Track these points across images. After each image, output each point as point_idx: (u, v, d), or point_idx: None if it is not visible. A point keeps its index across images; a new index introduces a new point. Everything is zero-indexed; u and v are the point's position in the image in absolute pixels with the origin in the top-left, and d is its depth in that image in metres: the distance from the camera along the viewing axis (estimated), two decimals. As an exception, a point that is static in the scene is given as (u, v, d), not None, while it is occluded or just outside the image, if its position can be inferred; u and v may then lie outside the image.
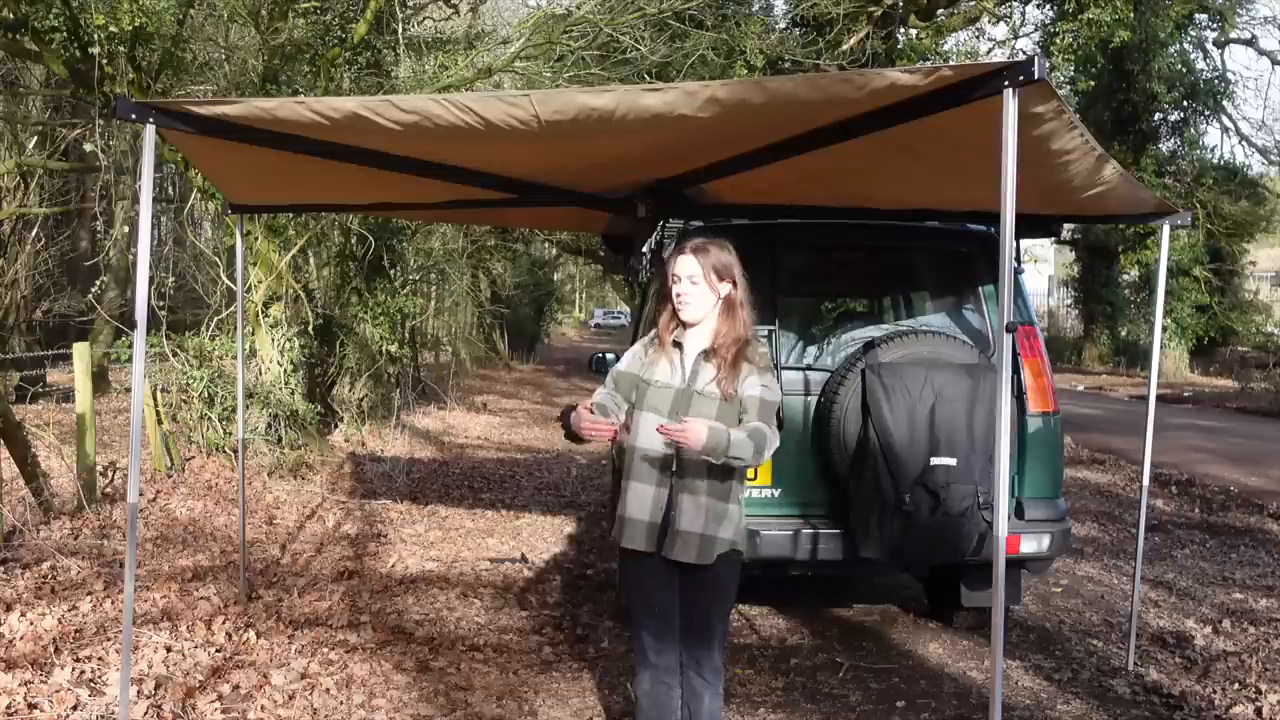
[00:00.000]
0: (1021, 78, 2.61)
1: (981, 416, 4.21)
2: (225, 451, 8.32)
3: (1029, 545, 4.51)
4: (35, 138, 14.99)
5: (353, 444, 10.64)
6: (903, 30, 16.91)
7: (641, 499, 3.14)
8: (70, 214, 16.78)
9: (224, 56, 10.49)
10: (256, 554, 6.39)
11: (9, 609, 4.80)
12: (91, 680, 4.12)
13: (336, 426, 10.88)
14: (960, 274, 4.92)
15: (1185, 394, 20.27)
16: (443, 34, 13.39)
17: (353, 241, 11.18)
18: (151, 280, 6.73)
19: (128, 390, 9.05)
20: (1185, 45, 25.67)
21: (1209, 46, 26.27)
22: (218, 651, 4.58)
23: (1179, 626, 5.36)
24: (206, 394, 8.44)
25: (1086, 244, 28.61)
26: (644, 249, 4.62)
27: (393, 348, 11.70)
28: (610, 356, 6.08)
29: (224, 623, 4.91)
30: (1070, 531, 4.77)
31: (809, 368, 4.75)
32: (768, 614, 5.56)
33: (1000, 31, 24.51)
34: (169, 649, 4.52)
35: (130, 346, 6.58)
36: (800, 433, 4.66)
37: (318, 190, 5.18)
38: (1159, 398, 5.04)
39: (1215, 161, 26.50)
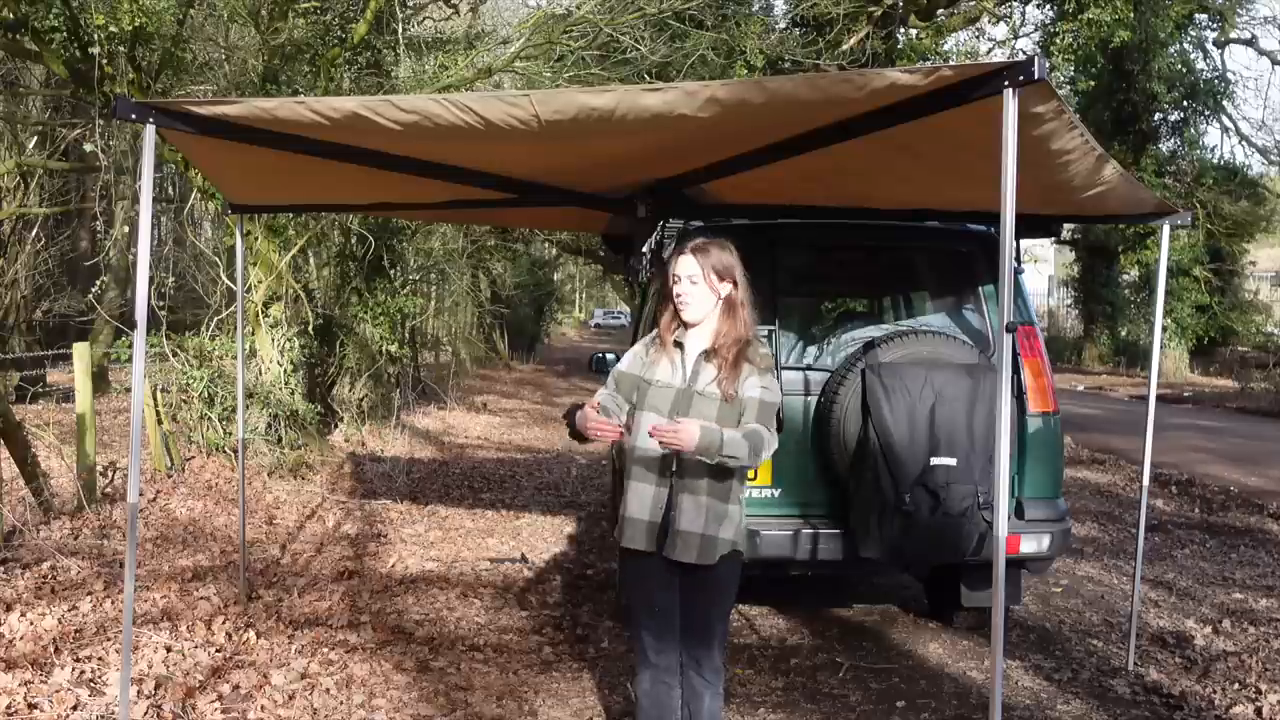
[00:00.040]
0: (1021, 78, 2.61)
1: (981, 416, 4.21)
2: (225, 451, 8.33)
3: (1029, 545, 4.51)
4: (35, 138, 15.00)
5: (353, 444, 10.64)
6: (903, 30, 16.91)
7: (641, 499, 3.14)
8: (70, 214, 16.78)
9: (224, 56, 10.49)
10: (256, 554, 6.39)
11: (9, 609, 4.80)
12: (91, 680, 4.12)
13: (336, 426, 10.88)
14: (960, 274, 4.92)
15: (1185, 394, 20.28)
16: (443, 34, 13.39)
17: (353, 241, 11.18)
18: (151, 280, 6.73)
19: (128, 390, 9.05)
20: (1185, 45, 25.68)
21: (1209, 46, 26.31)
22: (218, 651, 4.58)
23: (1179, 626, 5.36)
24: (206, 394, 8.44)
25: (1086, 244, 28.62)
26: (644, 249, 4.62)
27: (393, 348, 11.70)
28: (610, 356, 6.08)
29: (224, 623, 4.91)
30: (1070, 531, 4.76)
31: (809, 368, 4.75)
32: (768, 614, 5.56)
33: (1000, 31, 24.56)
34: (169, 649, 4.52)
35: (130, 346, 6.58)
36: (800, 433, 4.66)
37: (318, 190, 5.18)
38: (1159, 398, 5.04)
39: (1215, 161, 26.50)
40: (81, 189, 16.45)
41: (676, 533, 3.10)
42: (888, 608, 5.71)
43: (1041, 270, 36.28)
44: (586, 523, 7.92)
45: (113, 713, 3.82)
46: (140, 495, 6.83)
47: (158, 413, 7.85)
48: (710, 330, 3.17)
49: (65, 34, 8.22)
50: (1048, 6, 19.78)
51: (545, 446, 12.46)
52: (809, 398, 4.70)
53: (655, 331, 3.27)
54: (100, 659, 4.33)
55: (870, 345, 4.52)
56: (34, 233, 14.96)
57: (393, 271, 12.14)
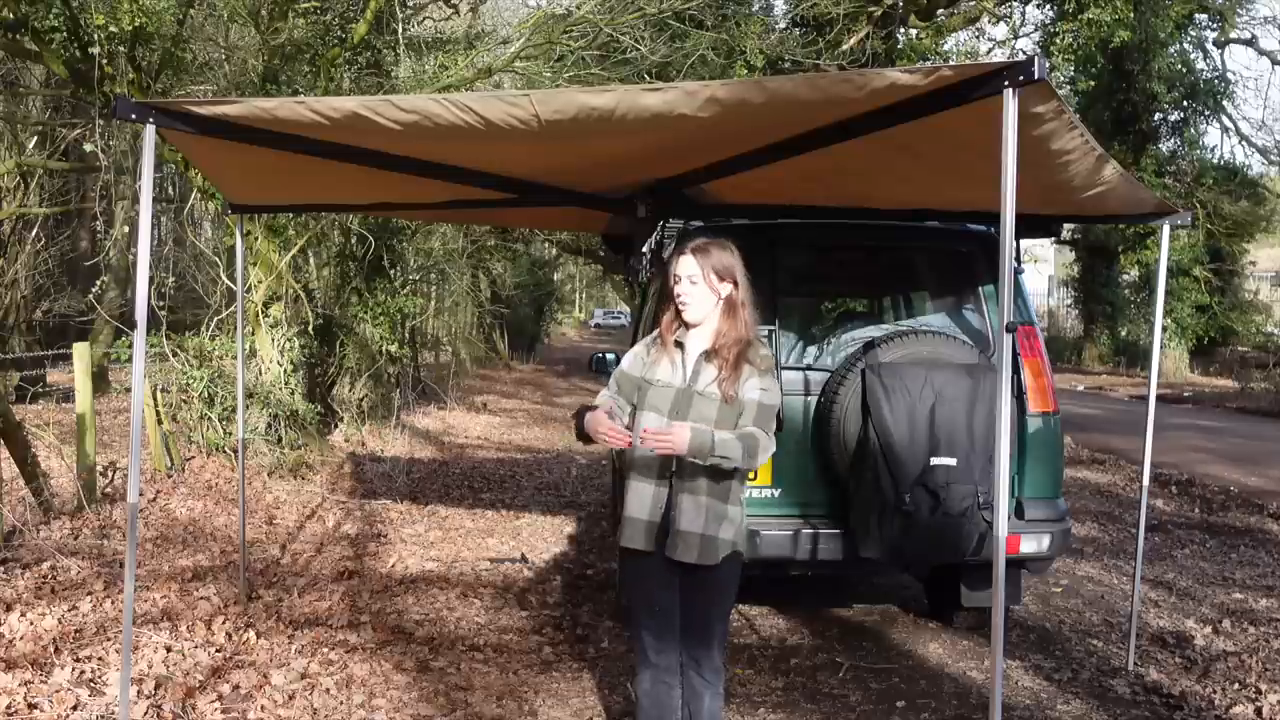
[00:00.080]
0: (1021, 78, 2.61)
1: (981, 416, 4.21)
2: (225, 451, 8.33)
3: (1029, 545, 4.51)
4: (35, 138, 15.00)
5: (353, 444, 10.64)
6: (903, 30, 16.91)
7: (641, 498, 3.15)
8: (70, 214, 16.78)
9: (224, 56, 10.49)
10: (256, 554, 6.39)
11: (9, 609, 4.80)
12: (91, 680, 4.12)
13: (336, 426, 10.88)
14: (960, 274, 4.92)
15: (1185, 394, 20.28)
16: (443, 34, 13.39)
17: (353, 241, 11.18)
18: (151, 280, 6.73)
19: (128, 390, 9.05)
20: (1185, 45, 25.69)
21: (1209, 46, 26.32)
22: (218, 651, 4.58)
23: (1179, 626, 5.36)
24: (206, 394, 8.44)
25: (1086, 244, 28.62)
26: (644, 249, 4.62)
27: (393, 348, 11.70)
28: (610, 356, 6.09)
29: (224, 623, 4.91)
30: (1070, 531, 4.76)
31: (809, 368, 4.75)
32: (768, 614, 5.56)
33: (1000, 31, 24.57)
34: (169, 649, 4.52)
35: (130, 346, 6.58)
36: (800, 433, 4.66)
37: (318, 190, 5.18)
38: (1159, 398, 5.04)
39: (1215, 161, 26.51)
40: (81, 189, 16.45)
41: (677, 533, 3.10)
42: (888, 608, 5.71)
43: (1041, 270, 36.29)
44: (586, 523, 7.92)
45: (113, 713, 3.82)
46: (140, 495, 6.83)
47: (158, 413, 7.85)
48: (711, 330, 3.17)
49: (65, 34, 8.22)
50: (1048, 6, 19.78)
51: (545, 446, 12.46)
52: (809, 398, 4.70)
53: (656, 332, 3.28)
54: (100, 659, 4.33)
55: (870, 345, 4.52)
56: (34, 233, 14.96)
57: (393, 271, 12.15)
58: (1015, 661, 4.84)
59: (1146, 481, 4.88)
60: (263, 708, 4.03)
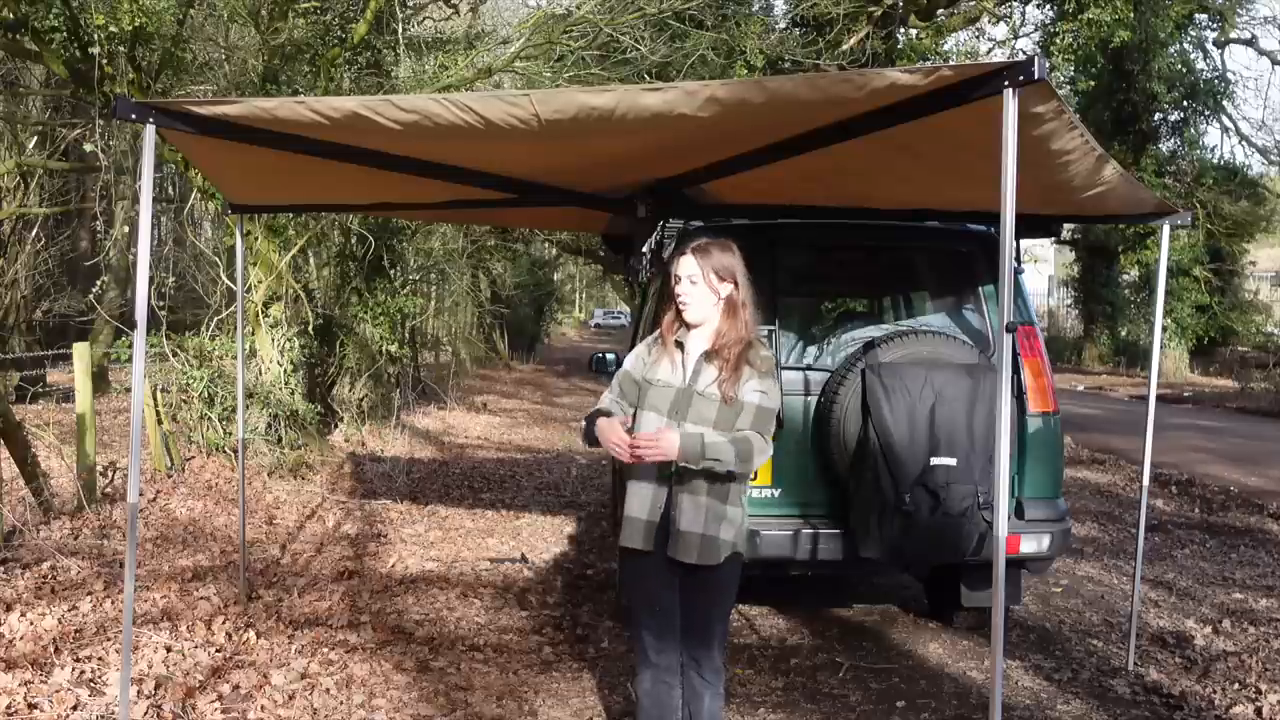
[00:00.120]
0: (1021, 78, 2.61)
1: (981, 416, 4.21)
2: (225, 451, 8.33)
3: (1029, 545, 4.51)
4: (35, 138, 15.00)
5: (353, 444, 10.64)
6: (903, 30, 16.91)
7: (641, 498, 3.15)
8: (70, 214, 16.78)
9: (224, 56, 10.50)
10: (256, 554, 6.39)
11: (9, 609, 4.80)
12: (91, 680, 4.12)
13: (336, 426, 10.88)
14: (960, 274, 4.92)
15: (1185, 394, 20.28)
16: (443, 34, 13.39)
17: (353, 241, 11.19)
18: (151, 280, 6.73)
19: (128, 390, 9.05)
20: (1185, 45, 25.69)
21: (1209, 46, 26.32)
22: (218, 651, 4.58)
23: (1179, 626, 5.36)
24: (206, 394, 8.44)
25: (1086, 244, 28.62)
26: (644, 249, 4.62)
27: (393, 348, 11.70)
28: (610, 356, 6.09)
29: (224, 623, 4.91)
30: (1070, 531, 4.76)
31: (809, 368, 4.75)
32: (768, 614, 5.56)
33: (1000, 31, 24.58)
34: (169, 649, 4.52)
35: (130, 346, 6.59)
36: (800, 433, 4.66)
37: (318, 190, 5.18)
38: (1159, 398, 5.04)
39: (1215, 161, 26.51)
40: (81, 189, 16.45)
41: (678, 533, 3.10)
42: (888, 608, 5.71)
43: (1041, 270, 36.30)
44: (586, 523, 7.92)
45: (113, 713, 3.82)
46: (140, 495, 6.83)
47: (158, 413, 7.85)
48: (711, 330, 3.17)
49: (65, 34, 8.22)
50: (1048, 6, 19.79)
51: (545, 446, 12.46)
52: (809, 398, 4.70)
53: (657, 332, 3.28)
54: (100, 659, 4.33)
55: (870, 345, 4.52)
56: (34, 233, 14.96)
57: (393, 271, 12.15)
58: (1015, 661, 4.84)
59: (1146, 481, 4.88)
60: (263, 708, 4.03)
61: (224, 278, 9.30)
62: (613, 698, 4.35)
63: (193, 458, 8.23)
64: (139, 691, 4.00)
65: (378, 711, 4.09)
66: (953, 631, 5.30)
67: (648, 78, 12.02)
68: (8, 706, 3.80)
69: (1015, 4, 20.17)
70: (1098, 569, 6.65)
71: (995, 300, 4.62)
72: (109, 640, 4.53)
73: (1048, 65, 3.00)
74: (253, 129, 3.57)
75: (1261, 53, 26.78)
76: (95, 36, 7.93)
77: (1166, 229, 4.67)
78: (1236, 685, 4.45)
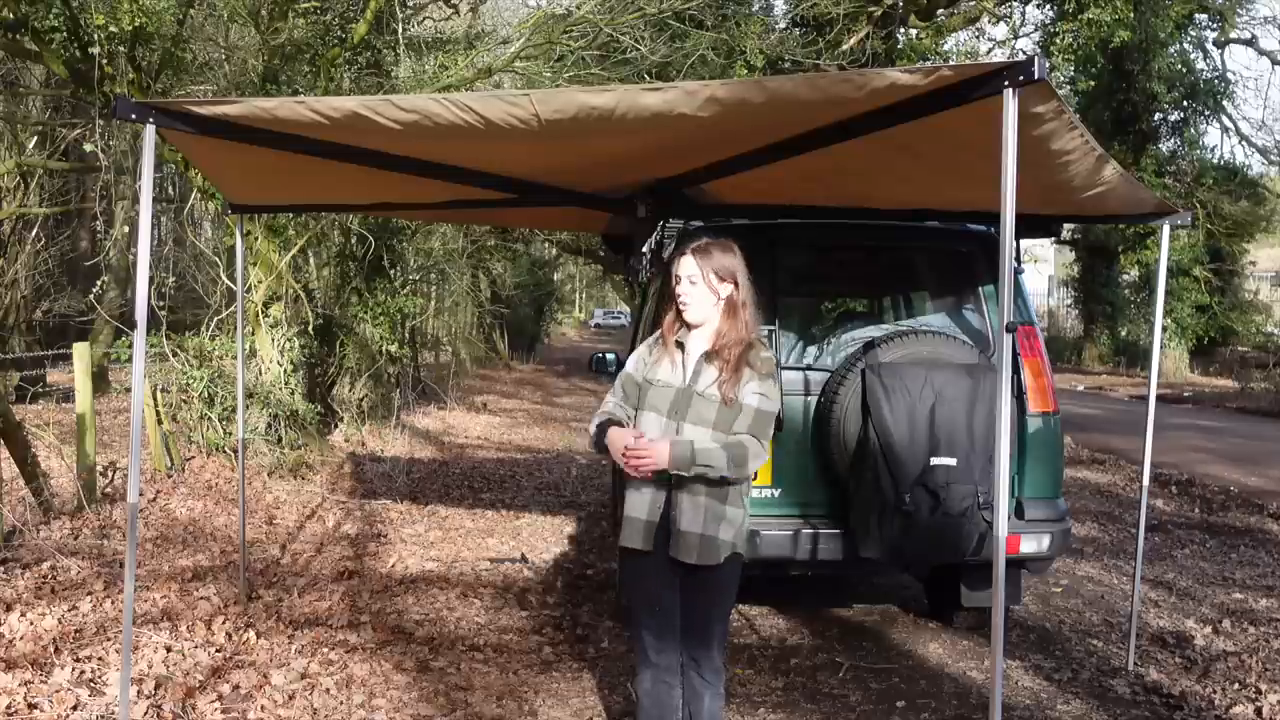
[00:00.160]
0: (1021, 78, 2.61)
1: (981, 416, 4.21)
2: (225, 451, 8.33)
3: (1029, 545, 4.51)
4: (35, 138, 15.00)
5: (353, 444, 10.64)
6: (903, 30, 16.91)
7: (641, 498, 3.14)
8: (70, 214, 16.79)
9: (224, 56, 10.50)
10: (256, 554, 6.39)
11: (9, 609, 4.80)
12: (91, 680, 4.12)
13: (336, 426, 10.89)
14: (960, 274, 4.92)
15: (1185, 394, 20.28)
16: (443, 34, 13.40)
17: (353, 241, 11.19)
18: (151, 280, 6.73)
19: (128, 390, 9.05)
20: (1185, 45, 25.69)
21: (1209, 46, 26.33)
22: (218, 651, 4.58)
23: (1179, 626, 5.36)
24: (206, 394, 8.44)
25: (1086, 244, 28.63)
26: (644, 249, 4.62)
27: (393, 348, 11.70)
28: (610, 356, 6.09)
29: (224, 623, 4.91)
30: (1070, 531, 4.76)
31: (809, 368, 4.75)
32: (768, 614, 5.56)
33: (1000, 31, 24.57)
34: (169, 649, 4.52)
35: (130, 346, 6.59)
36: (800, 433, 4.66)
37: (318, 190, 5.18)
38: (1159, 398, 5.04)
39: (1215, 161, 26.52)
40: (81, 189, 16.45)
41: (678, 533, 3.10)
42: (888, 608, 5.71)
43: (1041, 270, 36.30)
44: (586, 523, 7.92)
45: (113, 713, 3.82)
46: (140, 495, 6.83)
47: (158, 413, 7.85)
48: (712, 331, 3.17)
49: (65, 34, 8.22)
50: (1048, 6, 19.79)
51: (545, 446, 12.46)
52: (809, 398, 4.70)
53: (658, 333, 3.28)
54: (100, 659, 4.33)
55: (870, 345, 4.52)
56: (34, 233, 14.96)
57: (393, 271, 12.15)
58: (1015, 661, 4.84)
59: (1146, 481, 4.88)
60: (263, 708, 4.03)
61: (224, 278, 9.30)
62: (613, 698, 4.35)
63: (193, 458, 8.24)
64: (139, 691, 4.00)
65: (378, 711, 4.09)
66: (953, 631, 5.30)
67: (648, 78, 12.03)
68: (8, 706, 3.80)
69: (1015, 4, 20.19)
70: (1098, 569, 6.65)
71: (995, 300, 4.62)
72: (109, 640, 4.53)
73: (1048, 65, 3.00)
74: (253, 129, 3.57)
75: (1261, 53, 26.80)
76: (95, 36, 7.94)
77: (1166, 229, 4.67)
78: (1236, 685, 4.45)
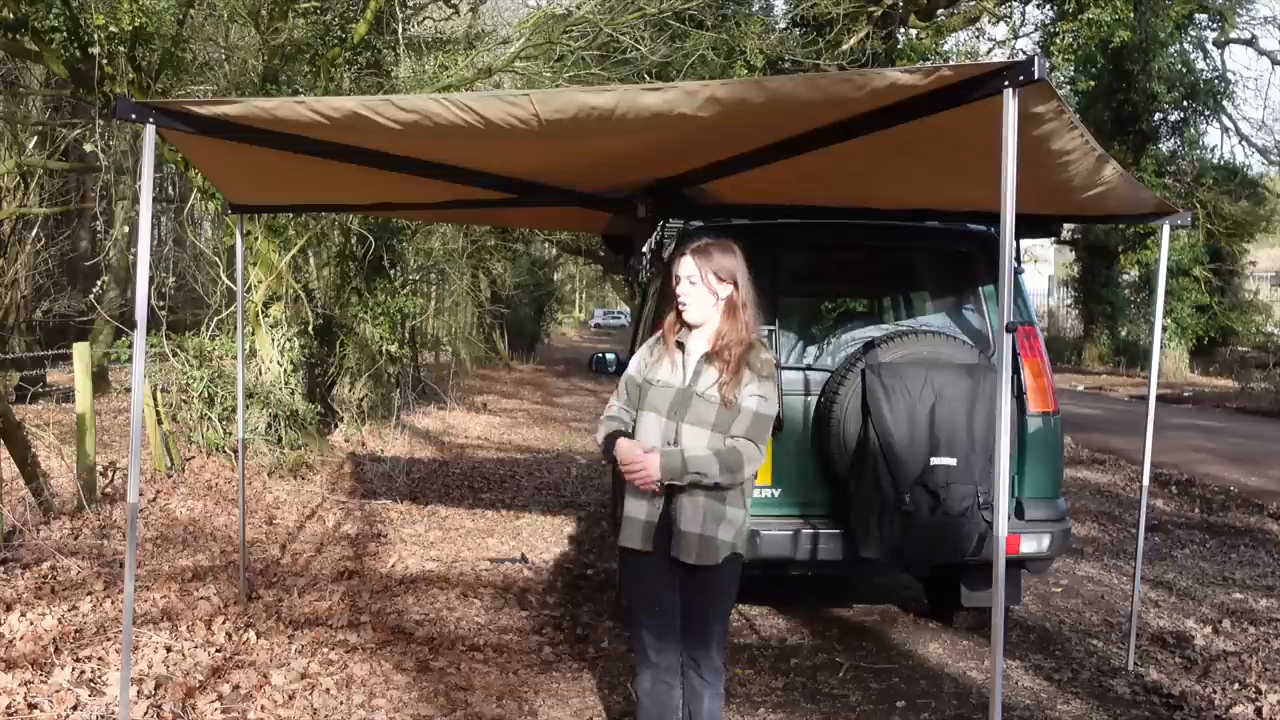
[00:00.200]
0: (1021, 78, 2.61)
1: (981, 416, 4.21)
2: (225, 451, 8.33)
3: (1029, 545, 4.51)
4: (35, 138, 15.00)
5: (353, 444, 10.64)
6: (903, 30, 16.92)
7: (640, 498, 3.14)
8: (70, 214, 16.79)
9: (224, 56, 10.50)
10: (256, 554, 6.39)
11: (9, 609, 4.80)
12: (91, 680, 4.12)
13: (336, 426, 10.89)
14: (960, 274, 4.92)
15: (1185, 394, 20.28)
16: (443, 34, 13.40)
17: (353, 241, 11.19)
18: (151, 280, 6.74)
19: (128, 390, 9.05)
20: (1185, 45, 25.69)
21: (1209, 46, 26.33)
22: (218, 651, 4.58)
23: (1179, 626, 5.36)
24: (206, 394, 8.44)
25: (1086, 244, 28.63)
26: (644, 249, 4.62)
27: (393, 348, 11.70)
28: (610, 356, 6.09)
29: (224, 623, 4.91)
30: (1070, 531, 4.76)
31: (809, 368, 4.75)
32: (768, 614, 5.56)
33: (1000, 31, 24.58)
34: (169, 649, 4.52)
35: (130, 346, 6.58)
36: (800, 433, 4.66)
37: (318, 190, 5.18)
38: (1159, 398, 5.04)
39: (1215, 161, 26.52)
40: (81, 189, 16.45)
41: (679, 533, 3.10)
42: (888, 608, 5.71)
43: (1041, 270, 36.30)
44: (586, 523, 7.92)
45: (113, 713, 3.82)
46: (140, 495, 6.83)
47: (158, 413, 7.85)
48: (712, 331, 3.17)
49: (65, 34, 8.22)
50: (1048, 6, 19.79)
51: (545, 446, 12.46)
52: (809, 398, 4.70)
53: (659, 333, 3.28)
54: (100, 659, 4.33)
55: (870, 345, 4.52)
56: (34, 233, 14.96)
57: (393, 271, 12.15)
58: (1015, 661, 4.84)
59: (1146, 481, 4.88)
60: (263, 708, 4.03)
61: (224, 278, 9.30)
62: (613, 698, 4.35)
63: (193, 458, 8.24)
64: (139, 691, 4.00)
65: (378, 711, 4.09)
66: (953, 631, 5.30)
67: (648, 78, 12.03)
68: (8, 706, 3.80)
69: (1015, 4, 20.19)
70: (1098, 569, 6.65)
71: (995, 300, 4.62)
72: (109, 640, 4.53)
73: (1048, 65, 3.00)
74: (253, 129, 3.57)
75: (1261, 53, 26.81)
76: (95, 36, 7.94)
77: (1166, 229, 4.67)
78: (1236, 685, 4.45)
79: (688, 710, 3.25)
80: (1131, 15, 16.67)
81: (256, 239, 8.98)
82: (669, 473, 3.02)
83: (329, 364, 11.03)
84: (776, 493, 4.67)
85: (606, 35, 11.57)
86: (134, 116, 3.40)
